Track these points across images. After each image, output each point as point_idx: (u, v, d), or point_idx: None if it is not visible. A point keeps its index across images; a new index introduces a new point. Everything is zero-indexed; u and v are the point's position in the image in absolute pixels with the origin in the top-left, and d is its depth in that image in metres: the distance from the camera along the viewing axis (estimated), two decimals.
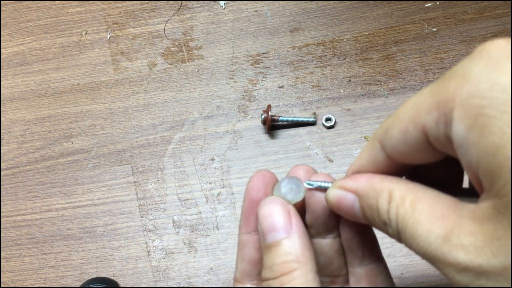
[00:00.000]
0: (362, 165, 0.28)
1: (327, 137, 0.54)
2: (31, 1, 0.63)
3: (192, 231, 0.53)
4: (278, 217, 0.26)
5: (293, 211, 0.27)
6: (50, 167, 0.56)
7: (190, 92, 0.58)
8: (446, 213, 0.21)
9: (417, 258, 0.49)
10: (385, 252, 0.50)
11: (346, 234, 0.29)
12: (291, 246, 0.25)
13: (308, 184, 0.29)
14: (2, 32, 0.62)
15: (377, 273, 0.29)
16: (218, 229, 0.53)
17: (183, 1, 0.61)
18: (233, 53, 0.59)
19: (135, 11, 0.61)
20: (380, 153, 0.26)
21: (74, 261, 0.53)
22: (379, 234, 0.52)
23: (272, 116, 0.54)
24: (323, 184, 0.29)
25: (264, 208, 0.27)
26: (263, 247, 0.27)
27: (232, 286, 0.51)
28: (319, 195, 0.28)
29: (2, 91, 0.60)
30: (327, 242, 0.30)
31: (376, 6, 0.59)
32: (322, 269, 0.30)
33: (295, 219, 0.27)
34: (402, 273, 0.49)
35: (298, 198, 0.28)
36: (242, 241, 0.30)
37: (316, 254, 0.30)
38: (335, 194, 0.27)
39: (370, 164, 0.27)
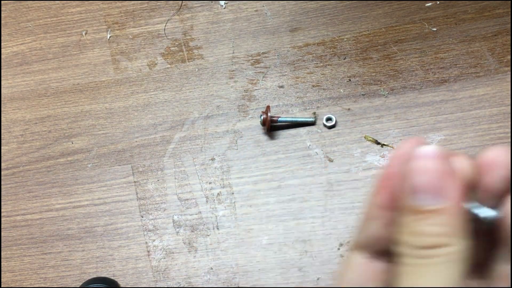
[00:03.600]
0: None
1: (327, 137, 0.54)
2: (31, 1, 0.63)
3: (192, 231, 0.53)
4: (434, 175, 0.21)
5: (451, 168, 0.21)
6: (50, 167, 0.56)
7: (190, 92, 0.58)
8: None
9: None
10: None
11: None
12: (447, 217, 0.21)
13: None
14: (2, 32, 0.62)
15: None
16: (218, 229, 0.53)
17: (183, 1, 0.61)
18: (233, 53, 0.59)
19: (135, 11, 0.61)
20: None
21: (74, 261, 0.53)
22: None
23: (271, 117, 0.54)
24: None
25: (423, 161, 0.21)
26: (409, 208, 0.22)
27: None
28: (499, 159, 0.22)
29: (2, 91, 0.60)
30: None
31: (376, 5, 0.59)
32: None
33: (455, 180, 0.21)
34: None
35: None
36: (369, 213, 0.25)
37: None
38: None
39: None
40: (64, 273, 0.53)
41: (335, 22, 0.59)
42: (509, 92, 0.54)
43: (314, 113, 0.55)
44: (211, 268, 0.52)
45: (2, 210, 0.56)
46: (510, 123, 0.53)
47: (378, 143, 0.54)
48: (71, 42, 0.61)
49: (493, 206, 0.23)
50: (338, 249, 0.51)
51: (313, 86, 0.56)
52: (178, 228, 0.53)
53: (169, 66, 0.59)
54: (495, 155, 0.22)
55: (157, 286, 0.51)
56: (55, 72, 0.60)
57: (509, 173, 0.22)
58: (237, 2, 0.60)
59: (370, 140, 0.54)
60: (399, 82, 0.55)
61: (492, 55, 0.55)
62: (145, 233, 0.53)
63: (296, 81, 0.57)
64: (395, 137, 0.53)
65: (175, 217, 0.53)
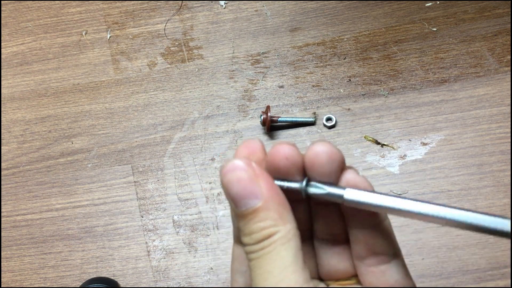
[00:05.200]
0: None
1: (327, 137, 0.54)
2: (31, 1, 0.63)
3: (192, 231, 0.53)
4: (244, 183, 0.25)
5: (258, 170, 0.25)
6: (50, 167, 0.56)
7: (190, 92, 0.58)
8: None
9: (417, 258, 0.49)
10: None
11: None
12: (266, 212, 0.25)
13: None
14: (2, 32, 0.62)
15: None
16: (218, 228, 0.53)
17: (183, 1, 0.61)
18: (233, 53, 0.59)
19: (135, 11, 0.61)
20: None
21: (74, 261, 0.53)
22: None
23: (271, 117, 0.54)
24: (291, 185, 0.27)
25: (228, 176, 0.25)
26: (236, 214, 0.26)
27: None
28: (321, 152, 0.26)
29: (2, 91, 0.60)
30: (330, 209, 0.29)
31: (376, 5, 0.59)
32: (324, 229, 0.29)
33: (264, 179, 0.25)
34: None
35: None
36: (233, 253, 0.29)
37: (319, 216, 0.29)
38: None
39: None
40: (64, 273, 0.53)
41: (335, 22, 0.58)
42: (509, 92, 0.54)
43: (314, 113, 0.55)
44: (211, 268, 0.52)
45: (2, 210, 0.56)
46: (510, 123, 0.53)
47: (378, 143, 0.54)
48: (71, 42, 0.61)
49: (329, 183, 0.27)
50: None
51: (313, 86, 0.56)
52: (178, 228, 0.53)
53: (169, 66, 0.59)
54: (315, 152, 0.26)
55: (157, 286, 0.51)
56: (55, 72, 0.60)
57: (330, 170, 0.26)
58: (237, 2, 0.60)
59: (370, 140, 0.54)
60: (399, 82, 0.55)
61: (492, 55, 0.55)
62: (145, 233, 0.53)
63: (296, 81, 0.57)
64: (395, 137, 0.53)
65: (175, 217, 0.53)
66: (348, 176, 0.27)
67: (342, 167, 0.27)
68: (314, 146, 0.26)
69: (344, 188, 0.26)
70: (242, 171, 0.25)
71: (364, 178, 0.27)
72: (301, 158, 0.26)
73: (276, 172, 0.26)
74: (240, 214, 0.25)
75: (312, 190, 0.26)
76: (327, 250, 0.29)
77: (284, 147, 0.26)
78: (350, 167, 0.27)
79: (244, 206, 0.25)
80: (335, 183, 0.27)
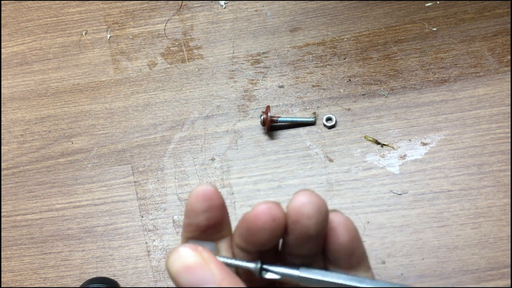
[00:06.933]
0: None
1: (327, 137, 0.54)
2: (31, 1, 0.63)
3: None
4: (194, 270, 0.23)
5: (206, 253, 0.24)
6: (50, 167, 0.56)
7: (190, 92, 0.58)
8: None
9: (417, 258, 0.49)
10: (385, 252, 0.50)
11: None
12: None
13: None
14: (2, 32, 0.62)
15: None
16: None
17: (183, 1, 0.61)
18: (233, 52, 0.59)
19: (135, 11, 0.61)
20: None
21: (74, 261, 0.53)
22: (378, 235, 0.51)
23: (271, 117, 0.54)
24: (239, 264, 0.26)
25: (174, 266, 0.24)
26: None
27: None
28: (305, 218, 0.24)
29: (2, 91, 0.60)
30: None
31: (376, 5, 0.59)
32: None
33: (214, 262, 0.24)
34: (402, 273, 0.49)
35: None
36: None
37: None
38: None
39: None
40: (64, 273, 0.53)
41: (335, 22, 0.59)
42: (509, 92, 0.54)
43: (314, 113, 0.55)
44: None
45: (2, 210, 0.56)
46: (510, 123, 0.53)
47: (378, 143, 0.54)
48: (71, 42, 0.61)
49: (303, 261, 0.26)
50: None
51: (313, 86, 0.56)
52: (178, 228, 0.53)
53: (169, 66, 0.59)
54: (301, 204, 0.23)
55: (157, 286, 0.52)
56: (55, 72, 0.60)
57: (316, 222, 0.23)
58: (237, 2, 0.60)
59: (370, 140, 0.54)
60: (399, 82, 0.55)
61: (492, 55, 0.55)
62: (145, 233, 0.53)
63: (296, 81, 0.57)
64: (395, 137, 0.53)
65: (175, 217, 0.53)
66: (337, 217, 0.25)
67: (327, 218, 0.25)
68: (298, 197, 0.24)
69: (298, 268, 0.25)
70: (189, 258, 0.24)
71: (350, 220, 0.25)
72: (285, 217, 0.24)
73: (257, 237, 0.24)
74: None
75: (267, 271, 0.25)
76: None
77: (270, 207, 0.24)
78: (335, 210, 0.25)
79: None
80: (323, 237, 0.25)
